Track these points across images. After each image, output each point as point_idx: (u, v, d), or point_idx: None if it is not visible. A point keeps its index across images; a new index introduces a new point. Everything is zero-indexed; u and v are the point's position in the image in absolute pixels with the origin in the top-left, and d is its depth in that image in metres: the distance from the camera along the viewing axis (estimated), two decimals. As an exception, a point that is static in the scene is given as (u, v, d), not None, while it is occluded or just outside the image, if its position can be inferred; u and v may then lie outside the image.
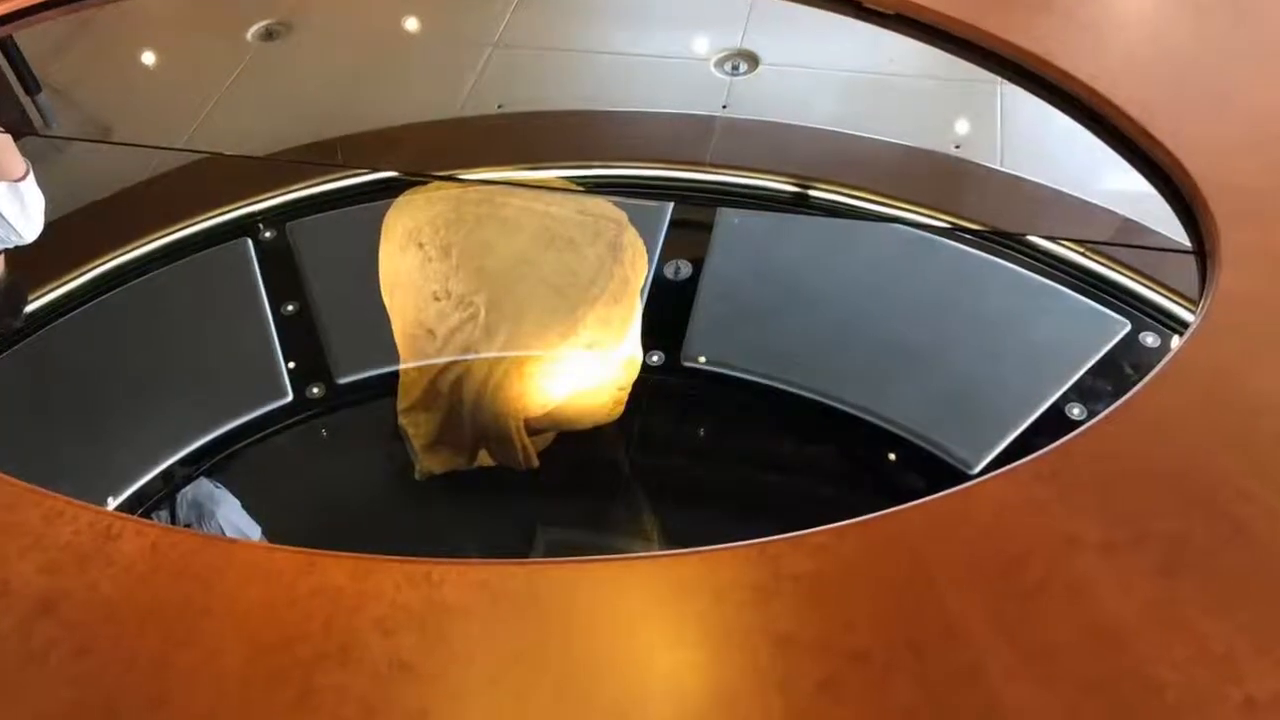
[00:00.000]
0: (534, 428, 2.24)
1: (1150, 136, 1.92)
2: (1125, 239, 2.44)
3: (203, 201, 2.73)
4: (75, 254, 2.61)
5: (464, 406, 2.19)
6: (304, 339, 2.51)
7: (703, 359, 2.44)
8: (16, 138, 2.37)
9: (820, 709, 1.15)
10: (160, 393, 2.44)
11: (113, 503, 2.22)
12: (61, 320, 2.51)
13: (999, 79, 2.43)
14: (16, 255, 2.38)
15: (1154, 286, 2.34)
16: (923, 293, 2.52)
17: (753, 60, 3.11)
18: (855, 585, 1.26)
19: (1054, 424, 2.19)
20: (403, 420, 2.26)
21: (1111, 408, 1.46)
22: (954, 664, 1.18)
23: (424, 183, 2.42)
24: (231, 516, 2.25)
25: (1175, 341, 2.24)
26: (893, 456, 2.29)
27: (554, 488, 2.36)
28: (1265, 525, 1.29)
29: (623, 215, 2.27)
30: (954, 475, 2.16)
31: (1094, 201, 2.51)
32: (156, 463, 2.30)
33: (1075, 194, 2.55)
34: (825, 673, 1.18)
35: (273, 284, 2.60)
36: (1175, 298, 2.29)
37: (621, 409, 2.28)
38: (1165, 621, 1.20)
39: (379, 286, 2.30)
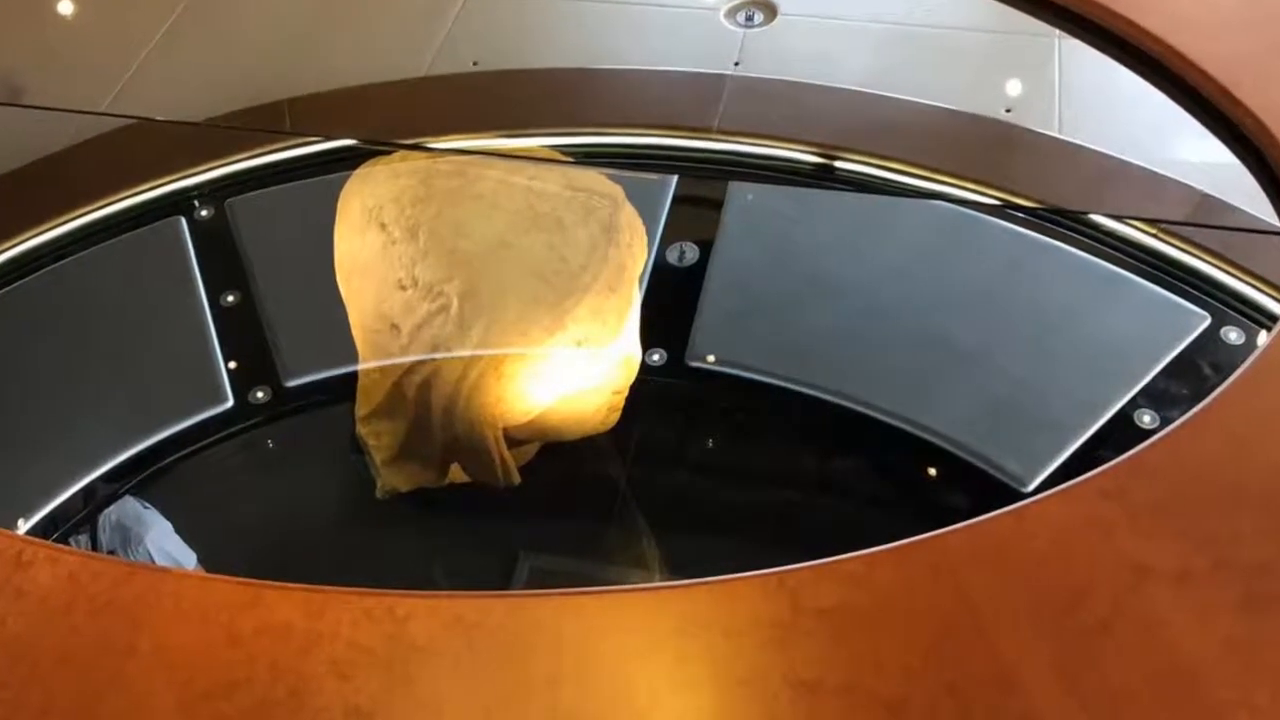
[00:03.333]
0: (515, 438, 2.24)
1: (1233, 99, 1.92)
2: (1204, 218, 2.45)
3: (129, 174, 2.73)
4: (-20, 235, 2.61)
5: (433, 414, 2.19)
6: (247, 335, 2.51)
7: (711, 358, 2.44)
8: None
9: (848, 766, 1.16)
10: (79, 397, 2.44)
11: (24, 525, 2.22)
12: (-36, 312, 2.52)
13: (1057, 31, 2.43)
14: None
15: (1238, 273, 2.34)
16: (968, 281, 2.52)
17: (769, 9, 3.11)
18: (889, 622, 1.26)
19: (1121, 433, 2.19)
20: (362, 429, 2.26)
21: (1188, 415, 1.46)
22: (1004, 714, 1.18)
23: (387, 152, 2.41)
24: (162, 542, 2.25)
25: (1263, 337, 2.24)
26: (933, 472, 2.29)
27: (538, 508, 2.36)
28: (1367, 551, 1.29)
29: (619, 191, 2.27)
30: (1004, 493, 2.16)
31: (1167, 174, 2.51)
32: (75, 479, 2.30)
33: (1145, 165, 2.56)
34: (854, 723, 1.18)
35: (210, 270, 2.60)
36: (1263, 286, 2.30)
37: (617, 416, 2.28)
38: (1250, 663, 1.20)
39: (334, 274, 2.30)
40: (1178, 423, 1.46)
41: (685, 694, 1.23)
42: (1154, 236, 2.42)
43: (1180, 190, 2.48)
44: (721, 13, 3.13)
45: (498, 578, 2.25)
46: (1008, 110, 2.84)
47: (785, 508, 2.37)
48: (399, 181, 2.25)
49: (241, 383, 2.44)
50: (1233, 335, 2.29)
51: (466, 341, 2.10)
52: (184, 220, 2.69)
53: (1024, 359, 2.38)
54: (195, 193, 2.73)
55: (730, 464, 2.49)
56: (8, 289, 2.55)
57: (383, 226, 2.18)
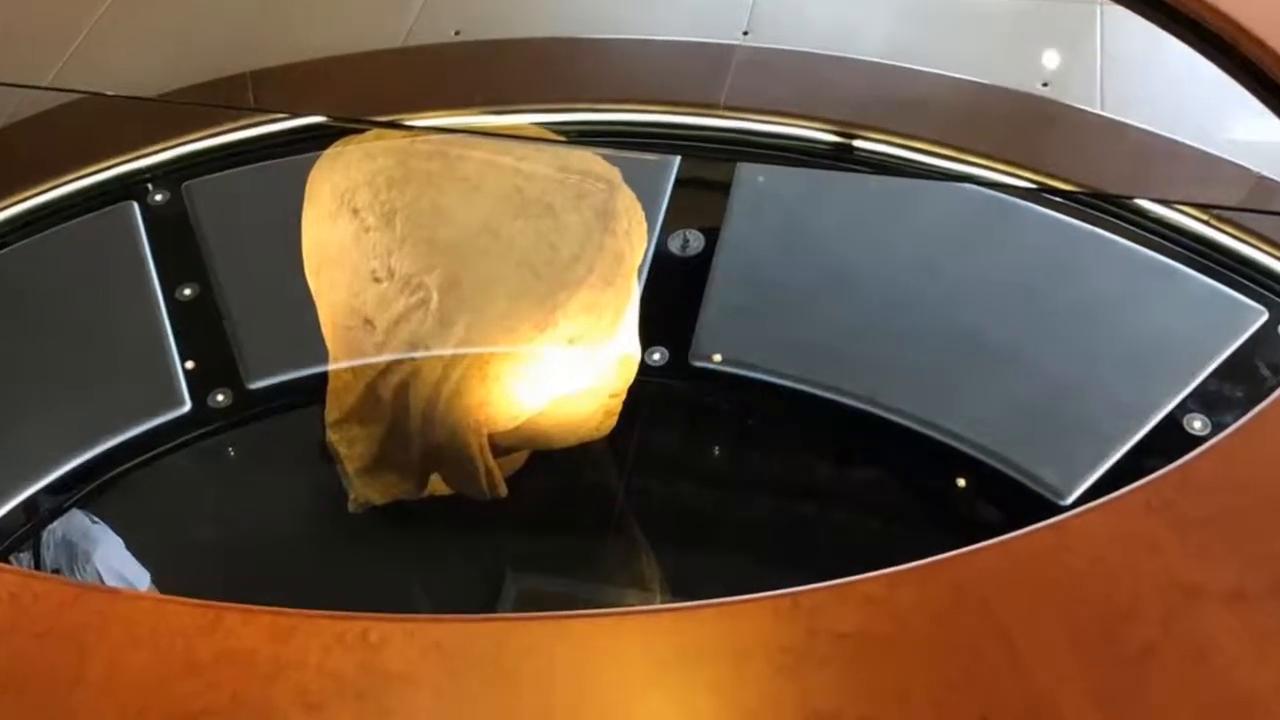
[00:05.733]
0: (502, 446, 2.24)
1: (1292, 71, 1.92)
2: (1261, 203, 2.45)
3: (75, 155, 2.73)
4: (-89, 222, 2.62)
5: (411, 418, 2.19)
6: (205, 332, 2.51)
7: (717, 357, 2.45)
8: None
9: (869, 806, 1.16)
10: (21, 400, 2.44)
11: (-40, 542, 2.23)
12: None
13: (1098, -3, 2.44)
14: None
15: (1298, 264, 2.35)
16: (1000, 272, 2.52)
17: (782, -27, 3.13)
18: (913, 648, 1.26)
19: (1169, 440, 2.19)
20: (332, 436, 2.27)
21: (1243, 420, 1.46)
22: (1040, 748, 1.18)
23: (360, 131, 2.42)
24: (112, 560, 2.25)
25: (1324, 334, 2.25)
26: (961, 482, 2.29)
27: (527, 522, 2.36)
28: None
29: (615, 173, 2.27)
30: (1040, 507, 2.16)
31: (1220, 155, 2.51)
32: (15, 490, 2.30)
33: (1196, 145, 2.56)
34: (875, 760, 1.18)
35: (165, 261, 2.60)
36: (1325, 278, 2.31)
37: (614, 421, 2.28)
38: (1311, 694, 1.20)
39: (301, 264, 2.30)
40: (1232, 429, 1.46)
41: (689, 727, 1.23)
42: (1206, 223, 2.42)
43: (1235, 172, 2.48)
44: (729, -24, 3.14)
45: (482, 599, 2.25)
46: (1045, 84, 2.84)
47: (798, 522, 2.38)
48: (373, 163, 2.25)
49: (200, 385, 2.44)
50: (1292, 333, 2.30)
51: (448, 339, 2.11)
52: (137, 205, 2.69)
53: (1062, 358, 2.38)
54: (149, 175, 2.74)
55: (738, 473, 2.49)
56: (-57, 281, 2.56)
57: (355, 212, 2.18)
